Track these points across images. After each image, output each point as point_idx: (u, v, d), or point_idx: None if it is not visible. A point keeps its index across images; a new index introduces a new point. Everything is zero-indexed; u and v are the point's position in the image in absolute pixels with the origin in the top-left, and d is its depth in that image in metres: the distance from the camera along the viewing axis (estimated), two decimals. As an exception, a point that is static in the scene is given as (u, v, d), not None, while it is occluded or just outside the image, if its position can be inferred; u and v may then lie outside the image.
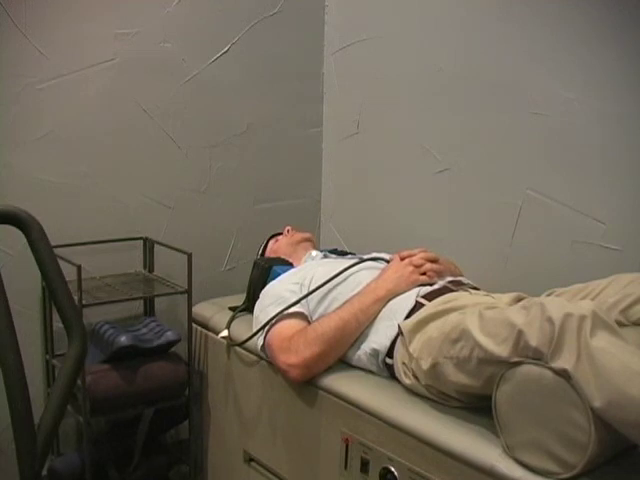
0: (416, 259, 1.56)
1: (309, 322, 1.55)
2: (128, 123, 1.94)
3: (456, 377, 1.22)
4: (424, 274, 1.54)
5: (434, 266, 1.57)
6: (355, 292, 1.54)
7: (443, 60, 1.92)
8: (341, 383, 1.45)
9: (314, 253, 1.87)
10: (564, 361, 1.02)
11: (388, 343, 1.42)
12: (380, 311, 1.49)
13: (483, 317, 1.18)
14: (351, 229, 2.30)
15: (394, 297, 1.50)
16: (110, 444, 1.81)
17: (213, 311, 1.89)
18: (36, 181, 1.81)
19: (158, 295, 1.96)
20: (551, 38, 1.66)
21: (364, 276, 1.59)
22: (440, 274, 1.57)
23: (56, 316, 1.10)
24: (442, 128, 1.96)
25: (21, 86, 1.76)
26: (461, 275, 1.66)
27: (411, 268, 1.54)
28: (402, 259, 1.57)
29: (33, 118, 1.79)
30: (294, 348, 1.47)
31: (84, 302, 1.66)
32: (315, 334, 1.46)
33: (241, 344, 1.68)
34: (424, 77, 1.98)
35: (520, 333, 1.08)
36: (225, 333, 1.75)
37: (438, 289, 1.51)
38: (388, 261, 1.63)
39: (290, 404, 1.56)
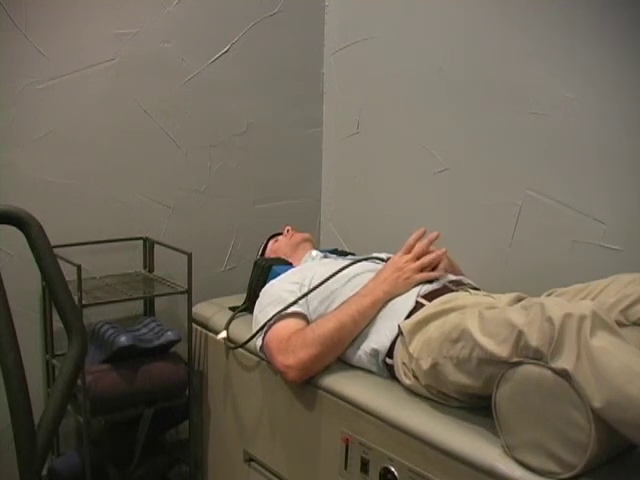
0: (412, 257, 1.56)
1: (308, 322, 1.55)
2: (128, 123, 1.94)
3: (456, 377, 1.22)
4: (423, 271, 1.54)
5: (430, 256, 1.57)
6: (356, 290, 1.53)
7: (443, 60, 1.92)
8: (341, 383, 1.45)
9: (314, 253, 1.86)
10: (564, 361, 1.02)
11: (388, 343, 1.42)
12: (377, 312, 1.49)
13: (483, 317, 1.18)
14: (351, 229, 2.30)
15: (392, 298, 1.50)
16: (110, 444, 1.81)
17: (213, 311, 1.89)
18: (36, 181, 1.81)
19: (158, 295, 1.96)
20: (551, 38, 1.66)
21: (367, 277, 1.59)
22: (438, 262, 1.58)
23: (56, 316, 1.10)
24: (442, 128, 1.96)
25: (21, 86, 1.76)
26: (461, 274, 1.66)
27: (410, 266, 1.53)
28: (407, 252, 1.57)
29: (33, 118, 1.78)
30: (291, 349, 1.47)
31: (84, 302, 1.66)
32: (313, 335, 1.46)
33: (239, 347, 1.67)
34: (424, 77, 1.98)
35: (520, 333, 1.08)
36: (224, 334, 1.75)
37: (438, 289, 1.51)
38: (388, 260, 1.63)
39: (290, 404, 1.56)
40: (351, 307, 1.48)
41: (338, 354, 1.50)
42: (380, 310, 1.49)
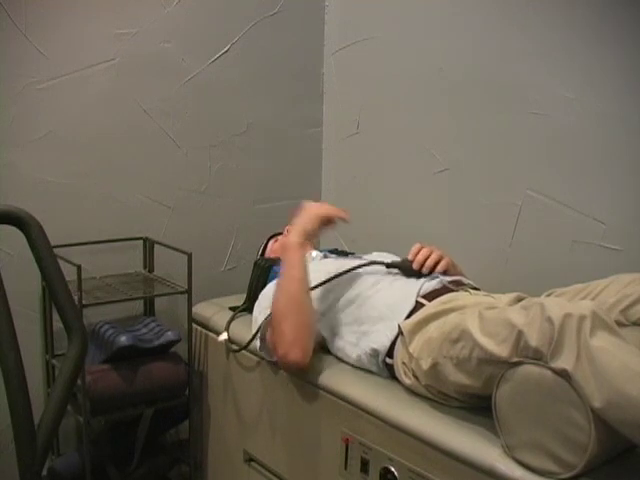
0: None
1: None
2: (128, 123, 1.94)
3: (456, 377, 1.22)
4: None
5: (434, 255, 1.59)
6: (357, 290, 1.54)
7: (443, 60, 1.92)
8: (341, 383, 1.45)
9: (314, 253, 1.86)
10: (564, 361, 1.02)
11: (388, 343, 1.42)
12: (377, 312, 1.48)
13: (483, 317, 1.18)
14: (351, 229, 2.30)
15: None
16: (110, 444, 1.81)
17: (213, 311, 1.89)
18: (36, 181, 1.81)
19: (158, 295, 1.96)
20: (551, 38, 1.66)
21: (366, 275, 1.58)
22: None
23: (56, 316, 1.10)
24: (442, 128, 1.96)
25: (21, 86, 1.76)
26: (461, 275, 1.66)
27: (316, 204, 1.64)
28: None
29: (33, 118, 1.78)
30: (275, 341, 1.49)
31: (84, 302, 1.66)
32: (273, 318, 1.49)
33: (242, 349, 1.67)
34: (424, 77, 1.98)
35: (520, 333, 1.08)
36: (224, 336, 1.74)
37: (438, 289, 1.51)
38: (390, 263, 1.62)
39: (290, 404, 1.56)
40: (283, 267, 1.54)
41: (308, 315, 1.49)
42: (380, 310, 1.49)
